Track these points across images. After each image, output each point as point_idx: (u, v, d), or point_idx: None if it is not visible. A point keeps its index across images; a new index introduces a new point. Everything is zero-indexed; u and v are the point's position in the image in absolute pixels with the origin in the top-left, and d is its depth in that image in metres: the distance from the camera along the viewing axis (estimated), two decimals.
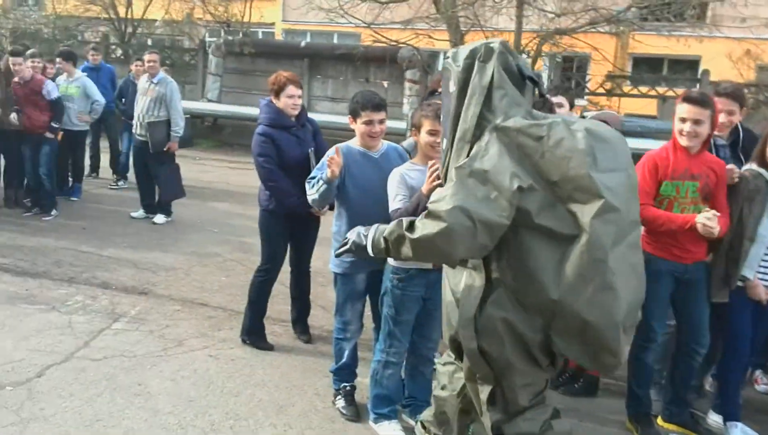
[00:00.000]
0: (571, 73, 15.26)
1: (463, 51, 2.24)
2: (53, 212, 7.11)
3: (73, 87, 7.76)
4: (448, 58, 2.31)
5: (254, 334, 4.32)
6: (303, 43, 15.10)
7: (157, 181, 7.22)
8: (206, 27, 16.65)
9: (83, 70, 8.51)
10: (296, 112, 4.13)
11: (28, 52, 7.67)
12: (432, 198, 2.17)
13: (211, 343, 4.32)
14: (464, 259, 2.16)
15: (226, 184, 9.94)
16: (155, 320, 4.64)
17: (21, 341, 4.10)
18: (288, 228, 4.20)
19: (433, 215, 2.07)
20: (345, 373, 3.59)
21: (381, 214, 3.07)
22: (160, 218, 7.25)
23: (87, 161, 8.55)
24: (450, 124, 2.23)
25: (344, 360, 3.57)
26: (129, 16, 15.90)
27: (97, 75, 8.50)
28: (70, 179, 8.04)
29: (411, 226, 2.15)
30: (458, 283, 2.21)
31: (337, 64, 14.35)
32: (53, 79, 7.60)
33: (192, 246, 6.52)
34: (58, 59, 7.86)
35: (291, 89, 4.04)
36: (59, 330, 4.30)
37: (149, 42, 16.01)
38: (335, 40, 18.00)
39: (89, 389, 3.62)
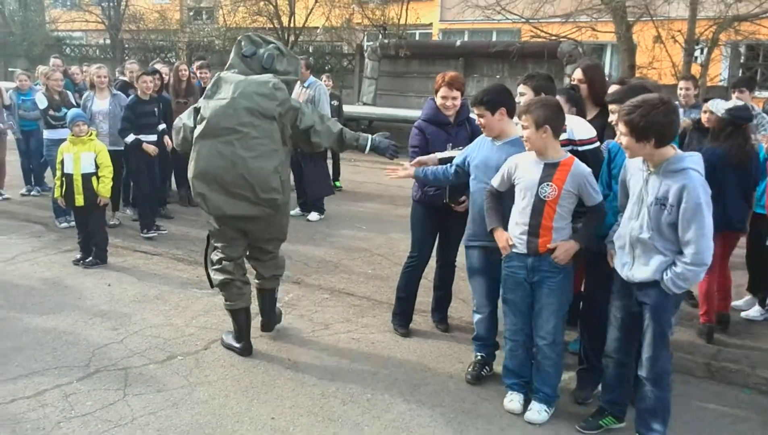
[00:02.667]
0: (756, 62, 13.96)
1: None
2: None
3: None
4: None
5: (397, 318, 4.72)
6: (458, 43, 15.46)
7: (306, 180, 7.93)
8: (364, 31, 17.70)
9: None
10: (449, 112, 4.46)
11: (199, 62, 8.88)
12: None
13: (354, 328, 4.77)
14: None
15: (377, 184, 10.55)
16: (305, 306, 5.20)
17: (191, 320, 4.85)
18: (436, 219, 4.55)
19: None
20: (478, 344, 4.08)
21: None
22: (313, 216, 7.97)
23: None
24: None
25: (476, 331, 4.07)
26: (291, 25, 17.40)
27: None
28: None
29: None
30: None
31: (493, 62, 14.51)
32: None
33: (341, 241, 7.11)
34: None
35: (444, 90, 4.41)
36: (223, 311, 4.92)
37: (310, 49, 17.37)
38: (494, 38, 18.15)
39: (247, 361, 4.21)
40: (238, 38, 4.26)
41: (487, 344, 4.05)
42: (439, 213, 4.48)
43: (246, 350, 4.27)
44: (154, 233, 6.92)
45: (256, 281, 4.48)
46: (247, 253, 4.40)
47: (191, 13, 21.22)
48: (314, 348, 4.42)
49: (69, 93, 7.87)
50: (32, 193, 8.78)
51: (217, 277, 4.26)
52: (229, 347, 4.36)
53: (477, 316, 4.04)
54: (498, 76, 14.52)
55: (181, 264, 6.20)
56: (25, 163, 8.73)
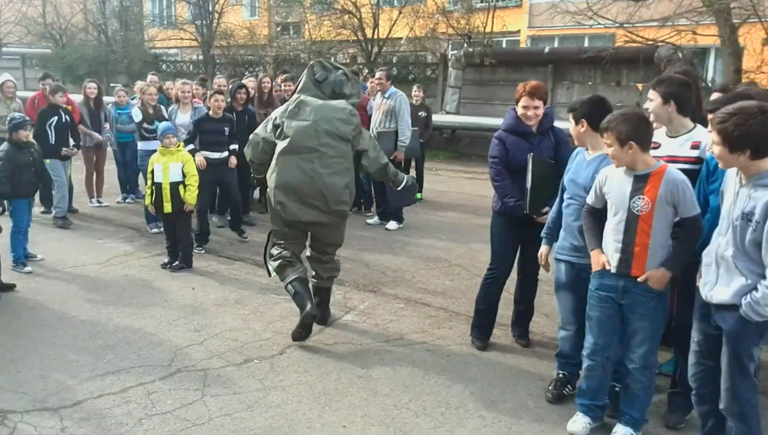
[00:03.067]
0: None
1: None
2: None
3: None
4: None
5: (475, 331, 4.62)
6: (546, 49, 15.14)
7: (387, 189, 7.93)
8: (448, 41, 17.69)
9: None
10: (531, 122, 4.35)
11: (284, 75, 9.12)
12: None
13: (429, 339, 4.71)
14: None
15: (459, 193, 10.47)
16: (381, 315, 5.19)
17: (268, 324, 4.94)
18: (516, 231, 4.44)
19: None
20: (561, 362, 3.94)
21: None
22: (392, 225, 7.99)
23: None
24: None
25: (560, 348, 3.93)
26: (375, 37, 17.64)
27: None
28: None
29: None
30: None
31: (584, 68, 14.11)
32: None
33: (420, 251, 7.07)
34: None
35: (525, 100, 4.31)
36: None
37: (394, 59, 17.54)
38: (585, 44, 17.67)
39: (320, 368, 4.24)
40: (310, 63, 4.85)
41: (571, 362, 3.86)
42: (520, 224, 4.37)
43: (312, 312, 4.52)
44: (201, 250, 6.89)
45: (314, 281, 4.95)
46: (309, 256, 4.96)
47: (278, 29, 21.93)
48: (388, 358, 4.39)
49: (162, 107, 8.29)
50: (127, 200, 9.30)
51: (275, 262, 4.77)
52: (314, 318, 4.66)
53: (562, 333, 3.89)
54: (590, 83, 14.12)
55: (261, 269, 6.30)
56: (121, 173, 9.26)
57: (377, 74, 8.06)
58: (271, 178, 4.57)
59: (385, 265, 6.53)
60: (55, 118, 7.72)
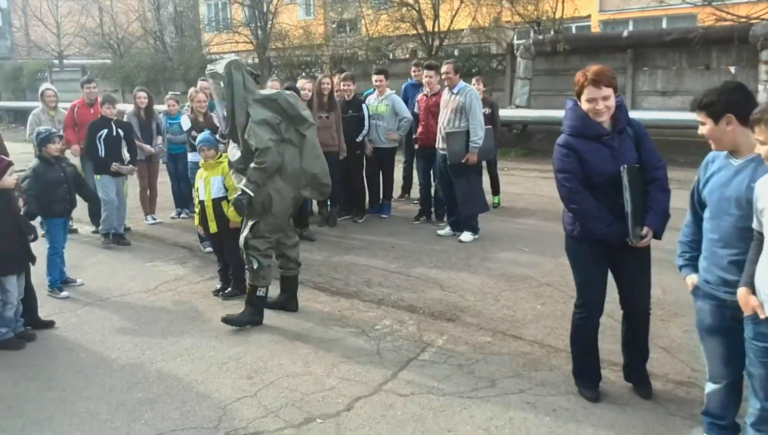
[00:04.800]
0: None
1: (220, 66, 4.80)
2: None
3: (383, 105, 8.24)
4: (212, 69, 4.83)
5: (580, 379, 3.79)
6: (625, 33, 13.95)
7: (457, 195, 7.17)
8: (514, 29, 16.68)
9: (405, 88, 9.01)
10: (603, 118, 3.43)
11: (344, 74, 8.44)
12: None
13: (527, 387, 3.90)
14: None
15: (537, 195, 9.56)
16: (464, 353, 4.41)
17: (332, 368, 4.25)
18: (604, 256, 3.58)
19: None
20: (708, 423, 3.15)
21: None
22: (466, 236, 7.19)
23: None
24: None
25: (707, 405, 3.17)
26: (435, 29, 16.81)
27: (415, 91, 8.68)
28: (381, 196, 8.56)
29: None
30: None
31: (668, 51, 12.89)
32: (363, 100, 8.25)
33: (501, 267, 6.26)
34: (376, 77, 8.36)
35: (590, 91, 3.37)
36: (368, 357, 4.36)
37: (455, 52, 16.67)
38: (663, 25, 16.34)
39: (396, 430, 3.50)
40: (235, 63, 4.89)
41: (721, 425, 3.05)
42: (609, 247, 3.51)
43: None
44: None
45: (285, 271, 5.32)
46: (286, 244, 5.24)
47: (334, 26, 21.40)
48: (479, 415, 3.61)
49: (214, 115, 7.75)
50: (182, 215, 8.84)
51: (263, 260, 4.96)
52: (244, 323, 4.93)
53: (710, 386, 3.07)
54: (674, 68, 12.89)
55: (323, 295, 5.69)
56: (175, 186, 8.79)
57: (443, 67, 7.23)
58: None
59: (462, 286, 5.75)
60: (105, 130, 7.28)
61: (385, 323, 4.97)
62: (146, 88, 8.80)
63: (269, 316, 5.18)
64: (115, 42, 23.27)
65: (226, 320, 4.89)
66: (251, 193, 4.76)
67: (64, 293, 5.77)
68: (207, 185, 5.59)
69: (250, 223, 4.93)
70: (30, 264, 4.88)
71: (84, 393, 4.00)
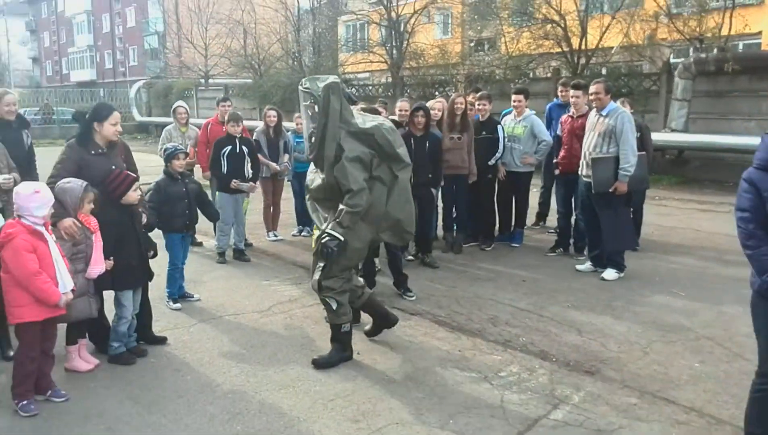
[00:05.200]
0: None
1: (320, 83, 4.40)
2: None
3: (520, 126, 7.75)
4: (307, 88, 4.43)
5: None
6: None
7: (602, 228, 6.50)
8: (671, 47, 15.49)
9: (550, 108, 8.50)
10: None
11: (479, 93, 8.06)
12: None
13: None
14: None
15: (694, 230, 8.58)
16: (604, 415, 3.82)
17: (448, 419, 3.81)
18: None
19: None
20: None
21: None
22: (610, 274, 6.49)
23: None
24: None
25: None
26: (582, 47, 16.01)
27: (561, 111, 8.13)
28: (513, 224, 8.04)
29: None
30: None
31: None
32: (499, 121, 7.82)
33: (651, 313, 5.52)
34: (516, 97, 7.90)
35: None
36: (489, 410, 3.89)
37: (603, 71, 15.76)
38: None
39: None
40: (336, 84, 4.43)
41: None
42: None
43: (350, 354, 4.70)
44: (412, 296, 6.12)
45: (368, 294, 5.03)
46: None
47: (472, 44, 21.12)
48: None
49: None
50: (303, 233, 8.83)
51: (341, 297, 4.63)
52: (335, 363, 4.59)
53: None
54: None
55: (442, 330, 5.28)
56: (298, 204, 8.84)
57: (592, 87, 6.59)
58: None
59: (604, 332, 5.11)
60: (229, 147, 7.41)
61: (511, 370, 4.47)
62: (276, 107, 8.95)
63: (381, 350, 4.85)
64: (256, 62, 24.49)
65: (316, 364, 4.58)
66: (341, 239, 4.37)
67: (177, 305, 5.84)
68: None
69: (320, 264, 4.56)
70: (147, 280, 4.91)
71: (184, 420, 3.86)
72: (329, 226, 4.40)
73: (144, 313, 4.99)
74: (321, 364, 4.56)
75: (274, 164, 8.40)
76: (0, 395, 4.07)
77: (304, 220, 8.84)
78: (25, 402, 3.91)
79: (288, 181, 8.81)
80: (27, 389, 3.95)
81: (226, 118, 7.73)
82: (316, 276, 4.59)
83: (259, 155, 8.23)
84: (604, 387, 4.19)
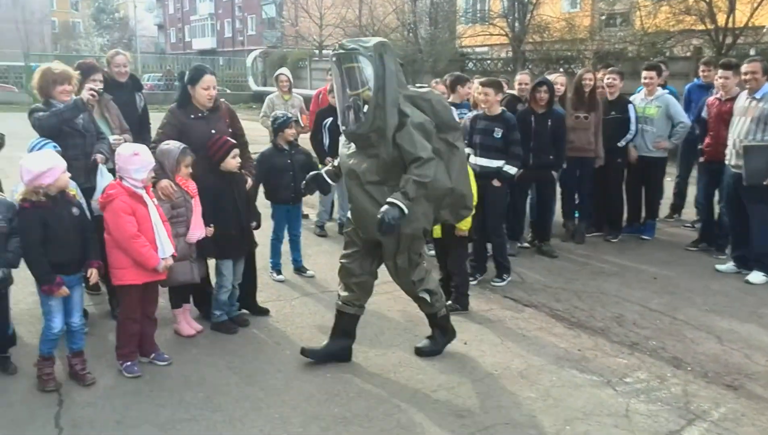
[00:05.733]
0: None
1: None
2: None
3: (653, 106, 7.14)
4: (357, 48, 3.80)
5: None
6: None
7: (751, 225, 5.88)
8: None
9: (690, 89, 7.83)
10: None
11: (610, 68, 7.53)
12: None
13: None
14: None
15: None
16: None
17: (564, 425, 3.52)
18: None
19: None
20: None
21: None
22: (756, 277, 5.87)
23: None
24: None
25: None
26: (728, 25, 14.74)
27: (701, 93, 7.38)
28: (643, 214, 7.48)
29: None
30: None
31: None
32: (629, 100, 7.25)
33: None
34: (646, 74, 7.29)
35: None
36: (612, 419, 3.56)
37: (752, 51, 14.45)
38: None
39: None
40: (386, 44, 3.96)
41: None
42: None
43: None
44: (501, 283, 5.87)
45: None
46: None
47: (603, 18, 20.04)
48: None
49: (454, 109, 7.38)
50: None
51: (434, 286, 4.33)
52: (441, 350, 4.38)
53: None
54: None
55: (560, 325, 4.95)
56: None
57: (747, 66, 5.93)
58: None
59: (749, 343, 4.60)
60: (330, 118, 7.27)
61: (638, 376, 4.09)
62: None
63: (491, 341, 4.61)
64: (370, 33, 24.47)
65: (421, 353, 4.33)
66: (405, 211, 3.76)
67: (280, 277, 5.86)
68: None
69: (402, 262, 4.11)
70: (251, 250, 4.91)
71: (281, 396, 3.80)
72: (394, 196, 3.78)
73: (248, 283, 5.00)
74: (426, 353, 4.35)
75: None
76: (107, 354, 4.18)
77: None
78: (128, 363, 4.00)
79: None
80: (130, 350, 4.04)
81: (327, 88, 7.62)
82: (408, 277, 4.16)
83: None
84: (750, 405, 3.75)
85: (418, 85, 4.26)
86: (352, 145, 4.02)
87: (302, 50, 29.11)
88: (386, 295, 5.54)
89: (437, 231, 5.19)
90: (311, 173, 4.49)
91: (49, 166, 3.63)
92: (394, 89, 3.81)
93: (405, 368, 4.19)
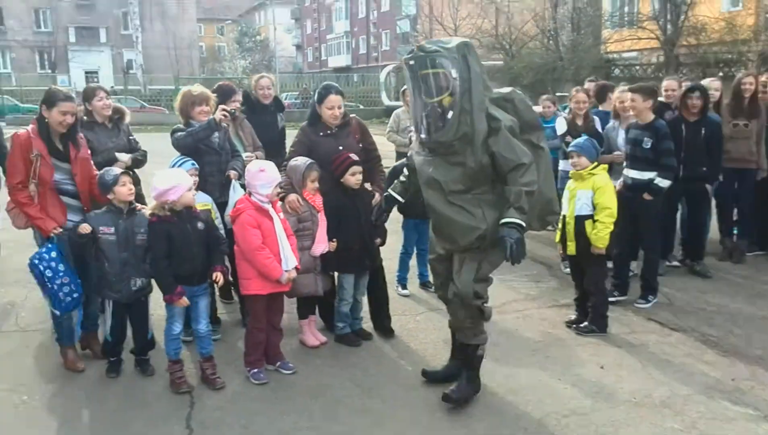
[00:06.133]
0: None
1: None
2: None
3: None
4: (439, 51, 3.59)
5: None
6: None
7: None
8: None
9: None
10: None
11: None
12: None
13: None
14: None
15: None
16: None
17: None
18: None
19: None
20: None
21: None
22: None
23: None
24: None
25: None
26: None
27: None
28: None
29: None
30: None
31: None
32: None
33: None
34: None
35: None
36: None
37: None
38: None
39: None
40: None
41: None
42: None
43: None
44: (646, 304, 5.56)
45: None
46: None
47: None
48: None
49: (596, 119, 7.17)
50: (548, 227, 8.44)
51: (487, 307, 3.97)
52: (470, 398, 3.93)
53: None
54: None
55: (711, 352, 4.63)
56: None
57: None
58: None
59: None
60: None
61: None
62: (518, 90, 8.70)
63: (631, 366, 4.39)
64: (508, 42, 24.29)
65: (449, 399, 3.86)
66: (524, 226, 3.59)
67: (405, 291, 5.94)
68: (572, 199, 5.06)
69: (471, 263, 3.81)
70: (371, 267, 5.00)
71: (402, 411, 3.84)
72: (510, 215, 3.56)
73: (376, 300, 5.08)
74: (454, 400, 3.86)
75: None
76: (236, 361, 4.43)
77: None
78: (255, 370, 4.21)
79: None
80: (257, 358, 4.25)
81: None
82: (470, 277, 3.80)
83: None
84: None
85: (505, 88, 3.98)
86: (425, 153, 3.83)
87: None
88: (516, 314, 5.46)
89: (571, 247, 5.05)
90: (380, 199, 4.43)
91: (173, 184, 3.93)
92: (480, 92, 3.62)
93: (533, 390, 4.09)
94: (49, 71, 43.81)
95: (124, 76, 41.01)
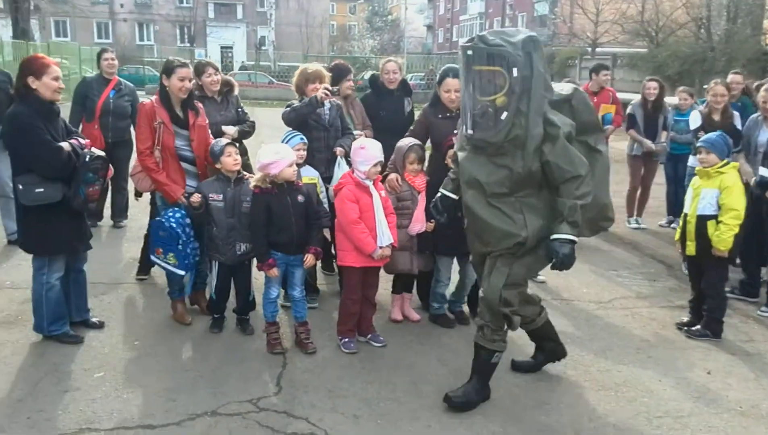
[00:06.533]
0: None
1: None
2: None
3: None
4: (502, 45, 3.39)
5: None
6: None
7: None
8: None
9: None
10: None
11: None
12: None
13: None
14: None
15: None
16: None
17: None
18: None
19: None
20: None
21: None
22: None
23: None
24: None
25: None
26: None
27: None
28: None
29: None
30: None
31: None
32: None
33: None
34: None
35: None
36: None
37: None
38: None
39: None
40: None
41: None
42: None
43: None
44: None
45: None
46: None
47: None
48: None
49: (736, 114, 6.85)
50: (672, 225, 8.19)
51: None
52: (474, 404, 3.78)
53: None
54: None
55: None
56: (671, 191, 8.21)
57: None
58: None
59: None
60: None
61: None
62: (658, 79, 8.48)
63: (739, 373, 4.23)
64: (654, 29, 23.29)
65: (450, 402, 3.75)
66: (575, 241, 3.54)
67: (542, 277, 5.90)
68: (696, 197, 4.92)
69: (502, 268, 3.66)
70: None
71: (488, 401, 3.92)
72: (562, 230, 3.49)
73: (474, 286, 5.17)
74: (457, 404, 3.75)
75: (648, 142, 7.98)
76: (330, 329, 4.68)
77: (675, 209, 8.19)
78: (346, 340, 4.45)
79: (661, 163, 8.24)
80: (349, 328, 4.48)
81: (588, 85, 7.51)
82: (499, 282, 3.66)
83: (633, 131, 8.07)
84: None
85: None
86: (470, 148, 3.69)
87: (572, 48, 28.65)
88: (624, 311, 5.39)
89: (691, 248, 4.92)
90: (434, 199, 4.25)
91: (274, 158, 4.21)
92: (540, 95, 3.44)
93: (629, 389, 4.06)
94: (188, 45, 46.45)
95: (256, 51, 42.90)
